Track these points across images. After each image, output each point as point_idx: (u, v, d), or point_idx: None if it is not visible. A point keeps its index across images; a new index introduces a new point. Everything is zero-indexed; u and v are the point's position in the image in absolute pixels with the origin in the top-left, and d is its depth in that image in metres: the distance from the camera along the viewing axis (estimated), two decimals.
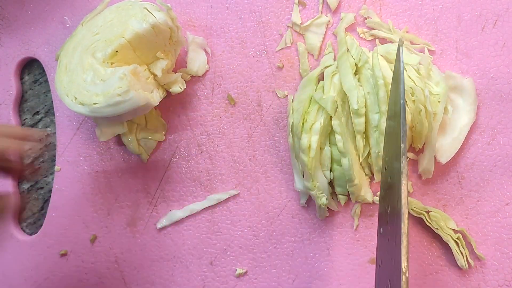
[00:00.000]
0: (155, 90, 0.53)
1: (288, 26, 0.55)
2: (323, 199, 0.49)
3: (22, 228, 0.63)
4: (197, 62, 0.57)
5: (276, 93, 0.55)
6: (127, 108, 0.48)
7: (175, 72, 0.56)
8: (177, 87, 0.55)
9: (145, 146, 0.57)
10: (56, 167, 0.60)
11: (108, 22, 0.52)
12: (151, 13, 0.50)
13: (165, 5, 0.52)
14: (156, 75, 0.53)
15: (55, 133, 0.62)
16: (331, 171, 0.50)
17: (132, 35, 0.50)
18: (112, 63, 0.51)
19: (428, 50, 0.51)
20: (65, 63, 0.53)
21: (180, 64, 0.57)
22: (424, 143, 0.49)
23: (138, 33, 0.50)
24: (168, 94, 0.55)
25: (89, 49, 0.51)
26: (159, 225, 0.56)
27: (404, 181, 0.37)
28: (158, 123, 0.57)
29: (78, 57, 0.52)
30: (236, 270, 0.54)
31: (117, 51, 0.51)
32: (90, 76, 0.50)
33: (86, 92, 0.50)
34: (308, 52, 0.54)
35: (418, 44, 0.51)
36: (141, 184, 0.58)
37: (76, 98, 0.50)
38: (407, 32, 0.52)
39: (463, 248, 0.47)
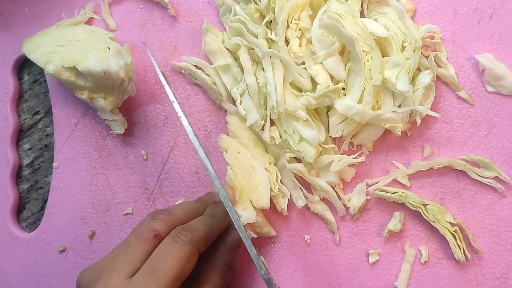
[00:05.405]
0: None
1: None
2: None
3: (22, 228, 0.63)
4: None
5: None
6: None
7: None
8: (118, 128, 0.57)
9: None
10: (54, 164, 0.61)
11: (75, 40, 0.54)
12: (110, 57, 0.51)
13: (124, 58, 0.52)
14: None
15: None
16: None
17: (84, 70, 0.52)
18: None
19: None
20: (27, 51, 0.57)
21: (129, 105, 0.58)
22: None
23: (90, 71, 0.51)
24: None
25: (47, 56, 0.54)
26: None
27: None
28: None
29: (37, 56, 0.55)
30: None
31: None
32: None
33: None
34: None
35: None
36: (139, 180, 0.58)
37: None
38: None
39: (460, 241, 0.47)
